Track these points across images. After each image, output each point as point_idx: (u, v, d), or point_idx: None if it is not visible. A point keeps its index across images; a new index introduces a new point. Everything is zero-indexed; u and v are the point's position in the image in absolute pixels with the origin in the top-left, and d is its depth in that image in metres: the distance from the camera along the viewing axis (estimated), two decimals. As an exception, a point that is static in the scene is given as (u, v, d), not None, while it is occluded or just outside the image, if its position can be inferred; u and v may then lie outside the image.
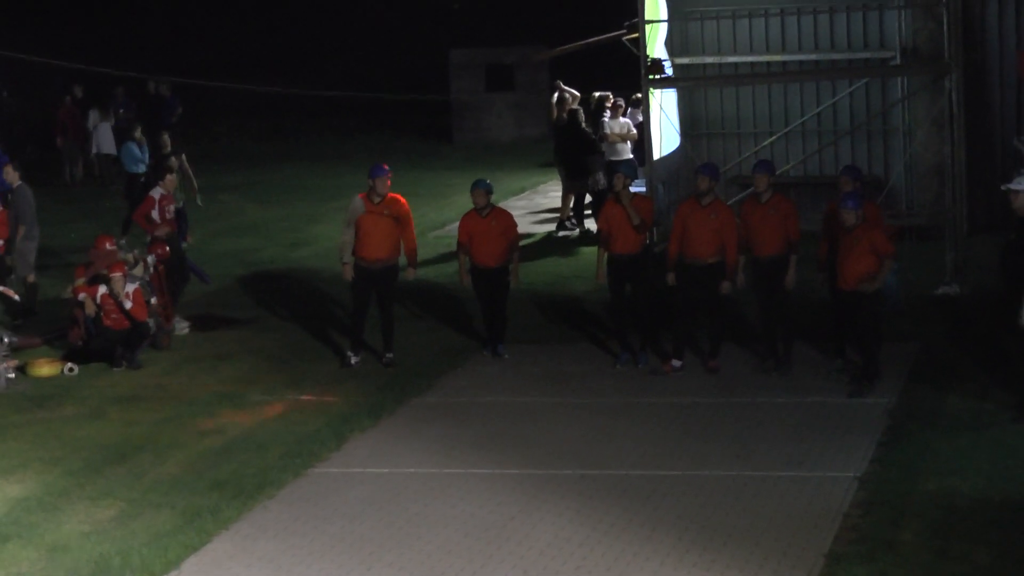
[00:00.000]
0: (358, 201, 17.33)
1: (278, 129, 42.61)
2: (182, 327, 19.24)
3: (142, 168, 26.28)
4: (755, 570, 11.08)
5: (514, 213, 18.48)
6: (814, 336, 16.96)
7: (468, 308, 19.40)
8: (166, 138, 26.43)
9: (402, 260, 17.63)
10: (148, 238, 19.53)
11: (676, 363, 16.55)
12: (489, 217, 17.52)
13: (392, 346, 17.47)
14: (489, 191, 17.67)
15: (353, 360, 17.46)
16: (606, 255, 16.94)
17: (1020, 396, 14.35)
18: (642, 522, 12.07)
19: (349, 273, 17.43)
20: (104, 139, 32.25)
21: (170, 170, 20.71)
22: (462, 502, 12.76)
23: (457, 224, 18.14)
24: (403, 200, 17.58)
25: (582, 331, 18.67)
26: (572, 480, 13.19)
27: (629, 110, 26.10)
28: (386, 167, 17.45)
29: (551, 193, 29.45)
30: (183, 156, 25.60)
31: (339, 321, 19.41)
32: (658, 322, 17.21)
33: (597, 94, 26.57)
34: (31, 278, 20.46)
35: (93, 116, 32.79)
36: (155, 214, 19.58)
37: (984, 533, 11.49)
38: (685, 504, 12.46)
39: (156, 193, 19.83)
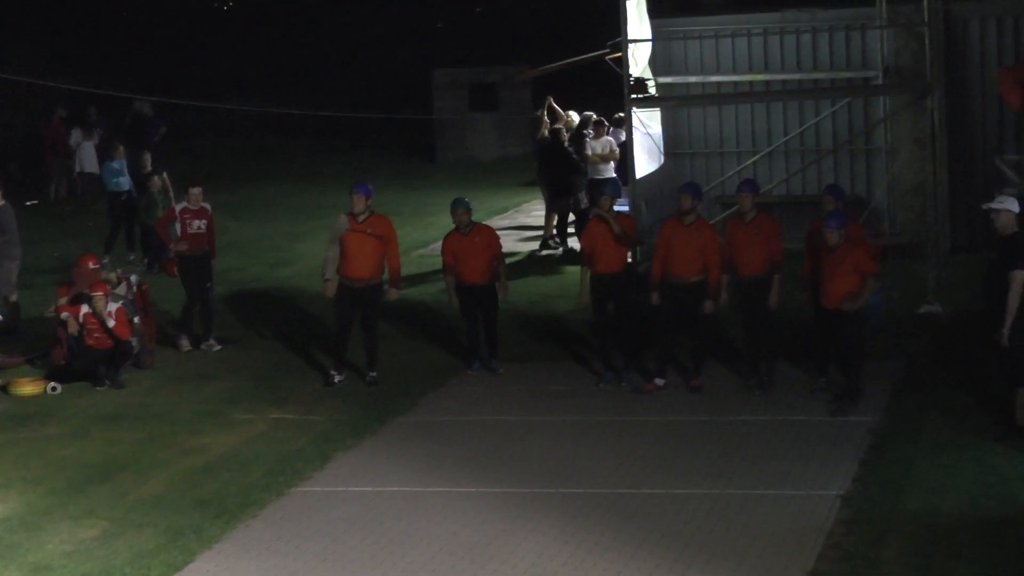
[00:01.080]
0: (343, 219, 17.33)
1: (261, 148, 42.61)
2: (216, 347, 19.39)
3: (124, 186, 26.19)
4: (739, 588, 11.09)
5: (497, 232, 18.48)
6: (797, 355, 16.99)
7: (452, 327, 19.39)
8: (147, 157, 26.39)
9: (385, 278, 17.63)
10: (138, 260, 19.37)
11: (659, 381, 16.56)
12: (472, 234, 17.56)
13: (376, 365, 17.45)
14: (470, 209, 17.72)
15: (336, 379, 17.44)
16: (589, 274, 16.95)
17: (1002, 414, 14.37)
18: (626, 540, 12.07)
19: (331, 290, 17.41)
20: (87, 158, 32.21)
21: (191, 185, 20.31)
22: (446, 521, 12.74)
23: (440, 243, 18.13)
24: (388, 219, 17.59)
25: (565, 350, 18.67)
26: (556, 498, 13.18)
27: (611, 129, 26.13)
28: (367, 186, 17.38)
29: (534, 212, 29.49)
30: (164, 174, 25.58)
31: (322, 340, 19.38)
32: (641, 341, 17.22)
33: (575, 116, 26.55)
34: (13, 297, 20.42)
35: (75, 135, 32.77)
36: (177, 227, 19.57)
37: (966, 551, 11.50)
38: (669, 522, 12.46)
39: (179, 206, 19.82)
